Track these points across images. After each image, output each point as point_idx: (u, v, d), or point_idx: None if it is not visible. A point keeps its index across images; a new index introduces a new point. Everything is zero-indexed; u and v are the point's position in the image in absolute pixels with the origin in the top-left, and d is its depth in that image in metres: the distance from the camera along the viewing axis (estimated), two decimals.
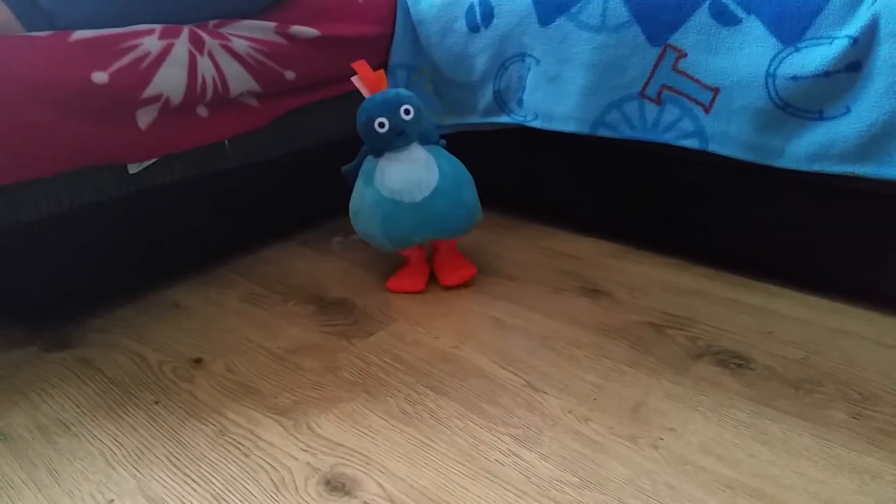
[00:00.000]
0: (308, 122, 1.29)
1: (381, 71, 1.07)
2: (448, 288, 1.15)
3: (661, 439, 0.78)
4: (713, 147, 1.07)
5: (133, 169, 1.05)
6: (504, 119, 1.28)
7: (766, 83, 0.99)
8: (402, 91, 1.05)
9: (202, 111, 1.11)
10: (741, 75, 1.02)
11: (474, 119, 1.34)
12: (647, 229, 1.26)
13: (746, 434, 0.79)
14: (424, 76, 1.38)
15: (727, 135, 1.06)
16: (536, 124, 1.22)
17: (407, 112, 1.03)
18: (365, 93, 1.06)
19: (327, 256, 1.28)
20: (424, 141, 1.09)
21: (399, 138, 1.04)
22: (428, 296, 1.13)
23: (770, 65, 0.98)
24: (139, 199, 1.08)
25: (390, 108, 1.03)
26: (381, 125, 1.03)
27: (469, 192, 1.10)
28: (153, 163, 1.07)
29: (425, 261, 1.18)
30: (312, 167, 1.34)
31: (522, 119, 1.25)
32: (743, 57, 1.02)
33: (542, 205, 1.39)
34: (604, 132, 1.16)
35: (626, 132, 1.14)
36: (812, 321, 1.02)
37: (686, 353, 0.95)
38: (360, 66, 1.07)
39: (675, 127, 1.10)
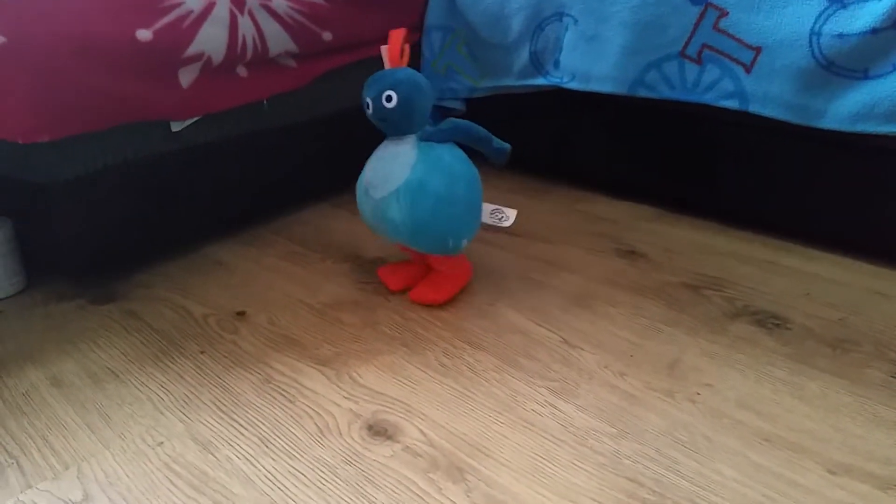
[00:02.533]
0: (344, 84, 1.30)
1: (407, 46, 0.93)
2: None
3: (698, 394, 0.79)
4: (754, 108, 1.06)
5: (176, 127, 1.06)
6: (540, 81, 1.28)
7: (810, 42, 0.98)
8: (403, 74, 0.90)
9: (242, 71, 1.12)
10: (784, 34, 1.00)
11: (509, 81, 1.33)
12: (683, 192, 1.25)
13: (784, 390, 0.79)
14: (459, 37, 1.38)
15: (768, 95, 1.04)
16: (573, 85, 1.22)
17: (389, 99, 0.89)
18: (385, 65, 0.94)
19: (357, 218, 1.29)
20: (429, 137, 0.94)
21: (384, 125, 0.92)
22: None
23: (815, 23, 0.97)
24: (181, 157, 1.10)
25: (376, 89, 0.90)
26: (367, 106, 0.92)
27: (434, 212, 0.91)
28: (195, 121, 1.08)
29: (419, 264, 1.06)
30: (348, 129, 1.35)
31: (559, 80, 1.24)
32: (786, 15, 1.00)
33: (578, 168, 1.39)
34: (643, 92, 1.15)
35: (666, 92, 1.13)
36: (850, 283, 1.01)
37: (722, 312, 0.95)
38: (395, 35, 0.93)
39: (716, 87, 1.09)
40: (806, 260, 1.08)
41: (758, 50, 1.03)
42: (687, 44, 1.09)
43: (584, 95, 1.24)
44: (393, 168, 0.92)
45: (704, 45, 1.08)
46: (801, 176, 1.10)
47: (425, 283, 1.01)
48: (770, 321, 0.93)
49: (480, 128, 0.95)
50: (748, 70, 1.05)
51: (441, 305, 0.99)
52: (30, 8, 0.91)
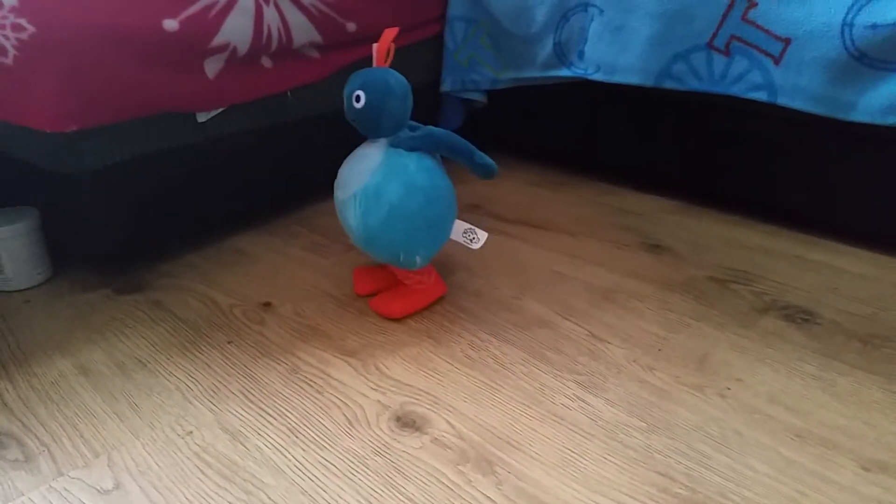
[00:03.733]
0: None
1: (393, 46, 0.88)
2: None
3: (729, 389, 0.78)
4: (782, 100, 1.05)
5: (202, 118, 1.07)
6: (564, 72, 1.27)
7: (842, 33, 0.96)
8: (376, 75, 0.86)
9: (266, 62, 1.12)
10: (815, 25, 0.99)
11: (533, 73, 1.32)
12: (708, 185, 1.24)
13: (815, 386, 0.79)
14: (482, 29, 1.37)
15: (797, 87, 1.03)
16: (598, 77, 1.21)
17: (357, 99, 0.86)
18: (373, 63, 0.89)
19: None
20: (399, 143, 0.88)
21: (355, 125, 0.89)
22: (488, 249, 1.13)
23: (847, 13, 0.95)
24: (207, 147, 1.10)
25: (349, 87, 0.87)
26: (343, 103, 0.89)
27: (386, 223, 0.87)
28: (220, 112, 1.08)
29: (389, 272, 1.02)
30: None
31: (583, 72, 1.23)
32: (817, 5, 0.98)
33: (601, 160, 1.38)
34: (669, 84, 1.14)
35: (693, 84, 1.12)
36: (879, 278, 1.00)
37: (751, 307, 0.94)
38: (387, 34, 0.88)
39: (744, 79, 1.08)
40: (834, 254, 1.07)
41: (787, 41, 1.02)
42: (715, 35, 1.08)
43: (609, 87, 1.23)
44: (358, 170, 0.88)
45: (733, 37, 1.07)
46: (830, 169, 1.09)
47: (387, 293, 0.97)
48: (799, 316, 0.92)
49: (460, 139, 0.89)
50: (777, 62, 1.04)
51: (398, 319, 0.95)
52: None
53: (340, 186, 0.90)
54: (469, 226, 0.90)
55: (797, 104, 1.04)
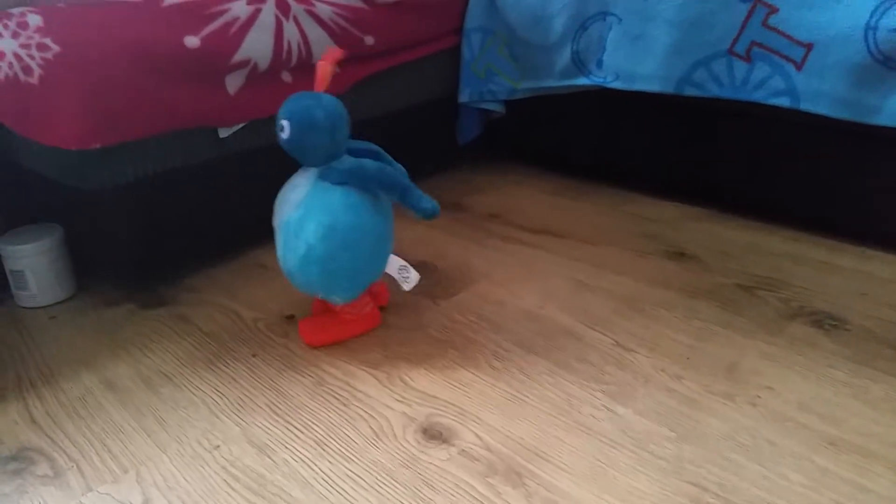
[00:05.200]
0: (385, 88, 1.30)
1: (331, 70, 0.84)
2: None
3: (759, 397, 0.77)
4: (805, 105, 1.04)
5: (223, 133, 1.07)
6: (582, 81, 1.27)
7: (866, 36, 0.95)
8: (302, 104, 0.81)
9: (286, 77, 1.13)
10: (838, 29, 0.98)
11: (551, 82, 1.32)
12: (731, 192, 1.23)
13: (846, 393, 0.77)
14: (499, 39, 1.37)
15: (820, 92, 1.02)
16: (617, 85, 1.20)
17: (281, 129, 0.82)
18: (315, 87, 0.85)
19: (404, 221, 1.29)
20: (325, 176, 0.84)
21: (290, 154, 0.85)
22: (508, 259, 1.13)
23: (871, 17, 0.94)
24: (228, 163, 1.10)
25: (280, 114, 0.83)
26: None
27: (303, 261, 0.84)
28: (242, 127, 1.09)
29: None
30: (390, 133, 1.35)
31: (602, 80, 1.23)
32: (840, 10, 0.98)
33: (621, 168, 1.37)
34: (690, 91, 1.13)
35: (714, 90, 1.11)
36: None
37: (779, 314, 0.93)
38: (329, 55, 0.85)
39: (766, 85, 1.07)
40: (861, 259, 1.06)
41: (809, 46, 1.01)
42: (735, 41, 1.08)
43: (627, 95, 1.23)
44: (287, 199, 0.86)
45: (753, 43, 1.06)
46: (854, 174, 1.08)
47: (316, 319, 0.94)
48: (827, 322, 0.90)
49: (396, 176, 0.84)
50: (799, 67, 1.03)
51: (324, 347, 0.92)
52: (82, 18, 0.92)
53: (274, 214, 0.88)
54: (404, 263, 0.87)
55: (821, 109, 1.03)
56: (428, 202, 0.84)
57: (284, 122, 0.81)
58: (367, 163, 0.84)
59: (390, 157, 0.92)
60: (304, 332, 0.93)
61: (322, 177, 0.84)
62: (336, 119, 0.82)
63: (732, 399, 0.77)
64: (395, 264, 0.88)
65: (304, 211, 0.83)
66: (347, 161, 0.85)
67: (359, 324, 0.94)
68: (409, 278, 0.87)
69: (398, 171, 0.91)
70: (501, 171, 1.53)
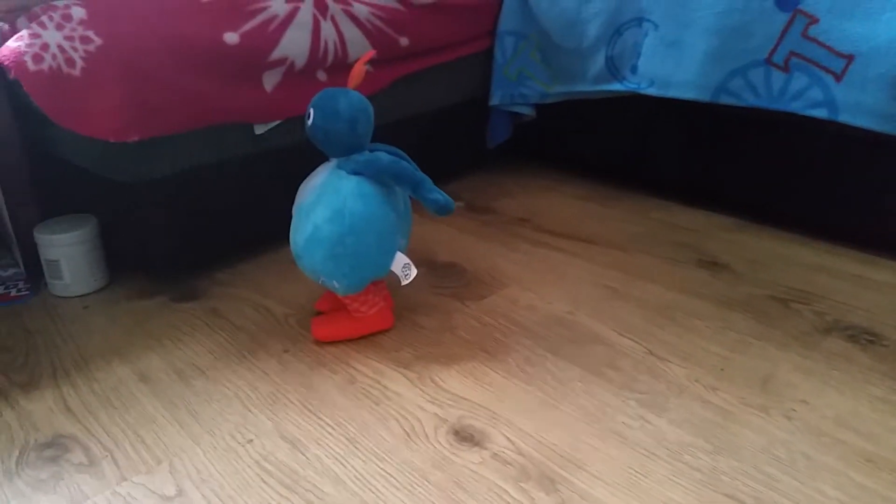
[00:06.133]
0: (419, 89, 1.30)
1: (362, 67, 0.87)
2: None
3: (794, 411, 0.76)
4: (844, 118, 1.03)
5: (259, 130, 1.08)
6: (616, 87, 1.26)
7: None
8: (328, 96, 0.86)
9: (322, 76, 1.13)
10: (880, 41, 0.97)
11: (584, 87, 1.32)
12: (764, 201, 1.22)
13: (883, 409, 0.76)
14: (532, 43, 1.37)
15: (860, 105, 1.01)
16: (652, 91, 1.20)
17: (308, 116, 0.87)
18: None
19: (435, 223, 1.30)
20: (343, 165, 0.87)
21: (314, 142, 0.89)
22: (539, 263, 1.13)
23: None
24: (263, 159, 1.11)
25: (309, 104, 0.88)
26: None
27: (308, 245, 0.86)
28: (277, 125, 1.10)
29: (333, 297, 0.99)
30: (422, 133, 1.36)
31: (636, 87, 1.23)
32: (883, 22, 0.97)
33: (652, 175, 1.36)
34: (726, 99, 1.12)
35: (751, 100, 1.10)
36: None
37: (814, 327, 0.92)
38: (364, 56, 0.89)
39: (804, 96, 1.06)
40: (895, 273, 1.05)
41: (850, 58, 1.00)
42: (773, 51, 1.07)
43: (659, 102, 1.22)
44: (307, 186, 0.90)
45: (792, 53, 1.05)
46: (890, 188, 1.07)
47: (329, 315, 0.96)
48: (863, 337, 0.89)
49: (409, 169, 0.85)
50: (839, 79, 1.02)
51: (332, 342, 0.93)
52: (125, 11, 0.93)
53: (296, 201, 0.91)
54: (408, 261, 0.89)
55: (860, 122, 1.02)
56: (440, 195, 0.85)
57: (311, 110, 0.87)
58: (383, 155, 0.86)
59: (411, 161, 0.93)
60: (313, 326, 0.94)
61: (340, 166, 0.87)
62: (357, 111, 0.86)
63: (767, 412, 0.76)
64: (400, 262, 0.89)
65: (316, 196, 0.86)
66: (365, 154, 0.88)
67: (369, 323, 0.94)
68: (410, 275, 0.88)
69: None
70: (531, 175, 1.53)
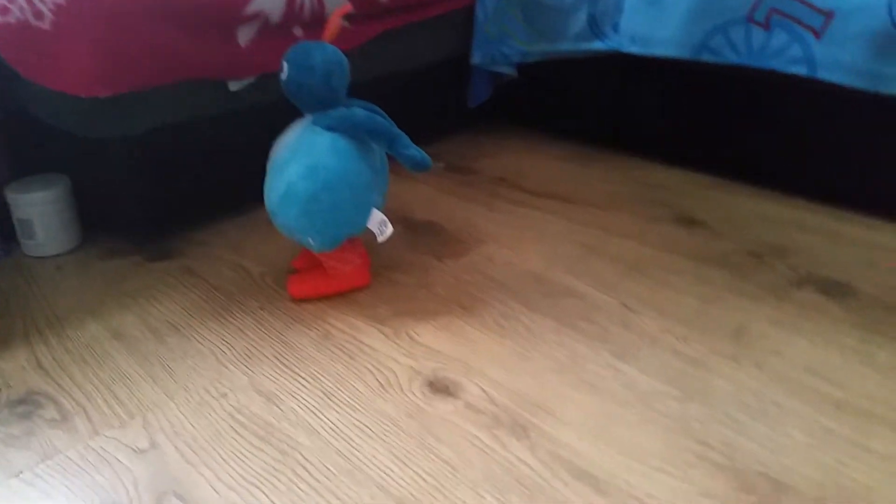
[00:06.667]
0: (399, 46, 1.28)
1: (339, 22, 0.87)
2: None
3: (765, 360, 0.77)
4: (822, 74, 1.03)
5: (233, 86, 1.06)
6: (597, 45, 1.25)
7: (889, 6, 0.94)
8: (301, 50, 0.84)
9: (298, 31, 1.11)
10: None
11: (564, 46, 1.31)
12: (741, 160, 1.22)
13: (854, 358, 0.77)
14: (513, 0, 1.35)
15: (839, 61, 1.01)
16: (633, 50, 1.19)
17: (282, 70, 0.85)
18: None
19: (414, 182, 1.29)
20: (317, 121, 0.86)
21: (289, 97, 0.87)
22: (517, 221, 1.13)
23: None
24: (238, 116, 1.10)
25: (283, 58, 0.86)
26: None
27: (282, 200, 0.85)
28: (252, 81, 1.08)
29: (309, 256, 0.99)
30: (401, 91, 1.34)
31: (617, 45, 1.21)
32: None
33: (632, 135, 1.36)
34: (707, 57, 1.12)
35: (731, 58, 1.10)
36: None
37: (787, 280, 0.93)
38: (339, 10, 0.88)
39: (783, 53, 1.06)
40: (869, 229, 1.05)
41: (830, 14, 1.00)
42: (754, 8, 1.06)
43: (639, 61, 1.21)
44: (283, 141, 0.88)
45: (773, 10, 1.05)
46: (864, 144, 1.07)
47: (305, 273, 0.96)
48: (836, 289, 0.90)
49: (385, 125, 0.84)
50: (818, 35, 1.02)
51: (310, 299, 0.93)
52: None
53: (272, 155, 0.90)
54: (384, 218, 0.88)
55: (837, 78, 1.02)
56: (417, 151, 0.84)
57: (285, 63, 0.85)
58: (358, 111, 0.85)
59: (388, 117, 0.92)
60: (289, 284, 0.93)
61: (315, 122, 0.86)
62: (333, 65, 0.84)
63: (738, 361, 0.77)
64: (376, 219, 0.88)
65: (290, 152, 0.85)
66: (340, 110, 0.86)
67: (344, 280, 0.94)
68: (386, 232, 0.88)
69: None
70: (511, 135, 1.52)
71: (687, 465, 0.63)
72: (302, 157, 0.84)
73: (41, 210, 1.04)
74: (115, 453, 0.68)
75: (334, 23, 0.86)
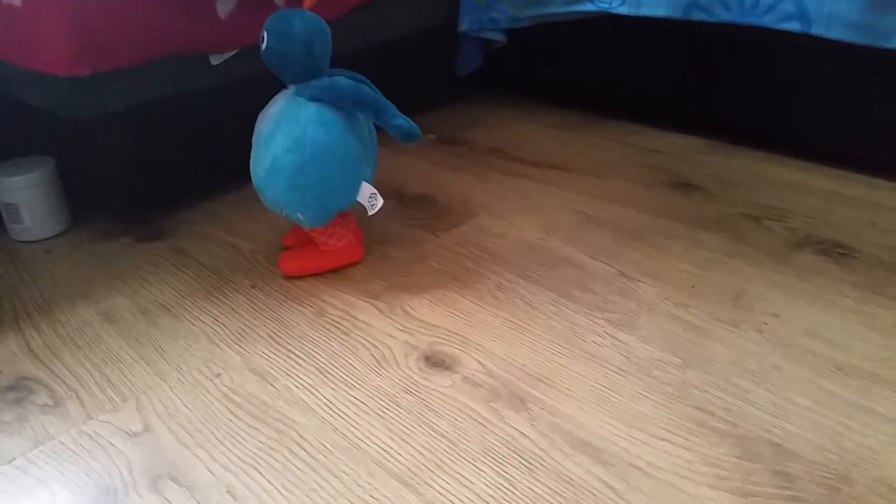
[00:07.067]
0: (385, 14, 1.26)
1: None
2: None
3: (766, 324, 0.76)
4: (816, 30, 1.00)
5: (215, 60, 1.04)
6: (588, 7, 1.22)
7: None
8: (282, 18, 0.81)
9: (279, 1, 1.08)
10: None
11: (555, 8, 1.28)
12: (737, 122, 1.20)
13: (854, 320, 0.76)
14: None
15: (832, 16, 0.98)
16: (623, 10, 1.16)
17: (262, 39, 0.82)
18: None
19: (405, 155, 1.27)
20: (301, 92, 0.83)
21: (270, 67, 0.84)
22: (511, 191, 1.11)
23: None
24: (221, 91, 1.07)
25: (263, 27, 0.82)
26: None
27: (268, 175, 0.83)
28: (234, 55, 1.05)
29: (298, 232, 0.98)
30: (391, 63, 1.31)
31: (608, 6, 1.19)
32: None
33: (627, 100, 1.34)
34: (698, 16, 1.09)
35: (723, 15, 1.07)
36: None
37: (786, 243, 0.91)
38: None
39: (775, 9, 1.03)
40: (869, 189, 1.04)
41: None
42: None
43: (632, 23, 1.19)
44: (265, 114, 0.86)
45: None
46: (862, 102, 1.05)
47: (296, 250, 0.94)
48: (835, 251, 0.89)
49: (371, 94, 0.82)
50: None
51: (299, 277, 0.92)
52: None
53: (257, 129, 0.87)
54: (374, 191, 0.86)
55: (832, 33, 0.99)
56: (405, 120, 0.81)
57: (264, 33, 0.82)
58: (343, 80, 0.82)
59: (375, 87, 0.89)
60: (281, 262, 0.92)
61: (298, 93, 0.83)
62: (314, 33, 0.81)
63: (738, 326, 0.76)
64: (366, 192, 0.86)
65: (275, 124, 0.83)
66: (324, 80, 0.83)
67: (337, 256, 0.92)
68: (376, 205, 0.86)
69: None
70: (503, 105, 1.50)
71: (688, 433, 0.63)
72: (286, 130, 0.82)
73: (27, 194, 1.01)
74: (108, 437, 0.67)
75: None
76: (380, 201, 0.86)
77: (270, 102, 0.88)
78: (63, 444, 0.66)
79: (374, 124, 0.87)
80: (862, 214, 0.97)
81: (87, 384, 0.74)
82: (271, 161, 0.82)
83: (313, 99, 0.82)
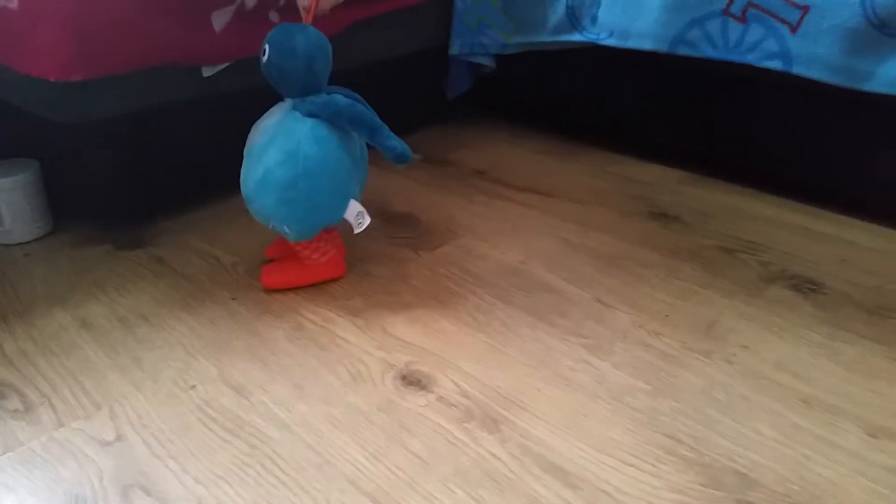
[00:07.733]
0: (378, 34, 1.27)
1: (316, 2, 0.86)
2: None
3: (735, 355, 0.78)
4: (797, 69, 1.03)
5: (207, 72, 1.05)
6: (576, 37, 1.25)
7: (863, 1, 0.94)
8: (283, 32, 0.82)
9: (274, 17, 1.10)
10: None
11: (543, 37, 1.30)
12: (717, 156, 1.23)
13: (822, 354, 0.78)
14: None
15: (814, 56, 1.01)
16: (611, 42, 1.19)
17: (263, 53, 0.83)
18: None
19: (391, 173, 1.28)
20: (297, 106, 0.84)
21: (269, 80, 0.85)
22: (495, 214, 1.12)
23: None
24: (211, 103, 1.08)
25: (264, 41, 0.83)
26: None
27: (259, 187, 0.84)
28: (226, 67, 1.06)
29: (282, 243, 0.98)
30: (381, 82, 1.33)
31: (595, 37, 1.21)
32: None
33: (610, 129, 1.36)
34: (683, 50, 1.12)
35: (708, 51, 1.10)
36: (887, 251, 1.00)
37: (759, 276, 0.93)
38: None
39: (759, 47, 1.06)
40: (842, 227, 1.06)
41: (805, 9, 1.00)
42: (731, 1, 1.06)
43: (619, 54, 1.21)
44: (258, 127, 0.87)
45: (749, 4, 1.05)
46: (838, 141, 1.08)
47: (279, 263, 0.95)
48: (806, 286, 0.91)
49: (367, 114, 0.83)
50: (794, 30, 1.02)
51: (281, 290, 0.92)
52: None
53: (249, 141, 0.88)
54: (362, 209, 0.87)
55: (812, 73, 1.02)
56: (398, 142, 0.83)
57: (266, 46, 0.83)
58: (340, 98, 0.84)
59: (369, 106, 0.91)
60: (263, 275, 0.92)
61: (295, 107, 0.84)
62: (315, 50, 0.82)
63: (709, 356, 0.78)
64: (354, 209, 0.87)
65: (269, 138, 0.84)
66: (322, 96, 0.84)
67: (320, 271, 0.92)
68: (363, 223, 0.87)
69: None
70: (490, 128, 1.52)
71: (656, 460, 0.64)
72: (280, 143, 0.83)
73: (9, 196, 1.01)
74: (80, 445, 0.66)
75: (314, 3, 0.84)
76: (367, 220, 0.87)
77: (266, 114, 0.88)
78: (33, 450, 0.66)
79: (367, 143, 0.88)
80: (834, 251, 0.99)
81: (60, 391, 0.74)
82: (263, 173, 0.83)
83: (310, 114, 0.83)
